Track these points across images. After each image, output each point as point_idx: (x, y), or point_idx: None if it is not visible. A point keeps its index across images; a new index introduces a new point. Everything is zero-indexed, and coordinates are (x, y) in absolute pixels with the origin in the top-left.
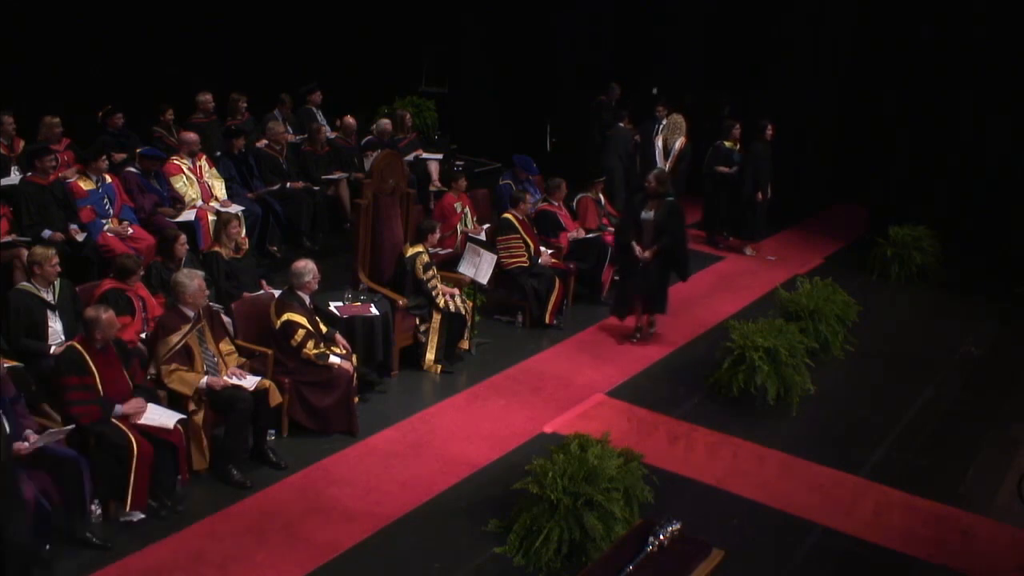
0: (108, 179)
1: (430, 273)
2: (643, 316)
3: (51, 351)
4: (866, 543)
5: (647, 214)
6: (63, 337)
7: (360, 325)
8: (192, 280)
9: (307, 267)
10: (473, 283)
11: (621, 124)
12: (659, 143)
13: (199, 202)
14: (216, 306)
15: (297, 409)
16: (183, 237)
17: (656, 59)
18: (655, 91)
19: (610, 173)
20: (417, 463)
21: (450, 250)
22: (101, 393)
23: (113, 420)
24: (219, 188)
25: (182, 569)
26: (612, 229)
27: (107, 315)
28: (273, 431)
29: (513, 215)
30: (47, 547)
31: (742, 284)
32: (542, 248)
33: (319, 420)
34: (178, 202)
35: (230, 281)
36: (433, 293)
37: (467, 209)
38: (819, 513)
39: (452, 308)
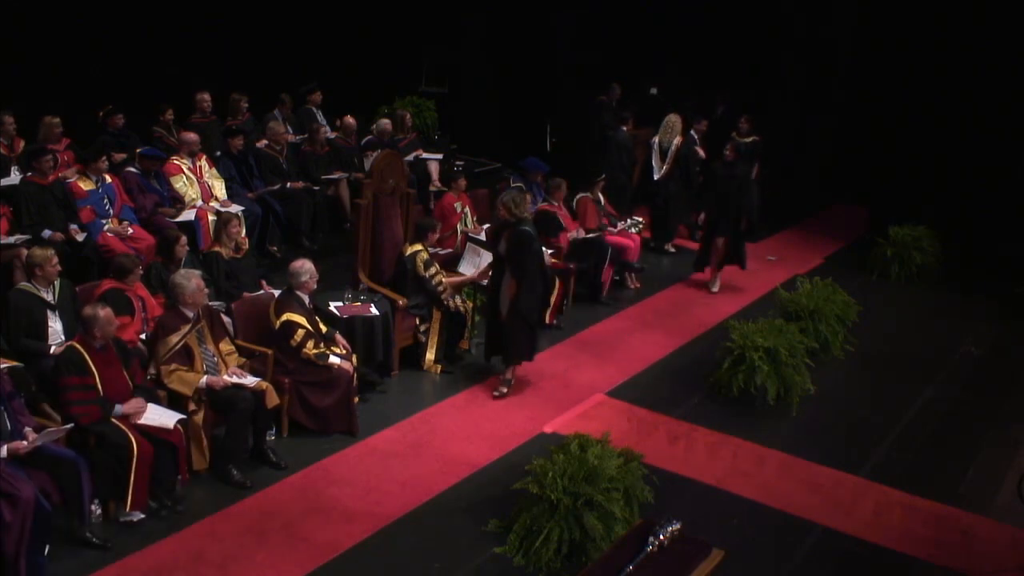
0: (108, 179)
1: (432, 270)
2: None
3: (51, 351)
4: (866, 543)
5: (500, 246)
6: (63, 337)
7: (360, 325)
8: (190, 280)
9: (304, 267)
10: (473, 283)
11: (624, 128)
12: (655, 142)
13: (199, 202)
14: (217, 304)
15: (297, 409)
16: (184, 238)
17: (656, 59)
18: (654, 91)
19: (609, 179)
20: (417, 463)
21: (450, 250)
22: (101, 393)
23: (113, 420)
24: (219, 188)
25: (182, 569)
26: (612, 229)
27: (104, 312)
28: (273, 431)
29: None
30: (47, 547)
31: (742, 284)
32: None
33: (319, 420)
34: (178, 202)
35: (230, 281)
36: (439, 289)
37: (467, 209)
38: (819, 513)
39: (452, 308)
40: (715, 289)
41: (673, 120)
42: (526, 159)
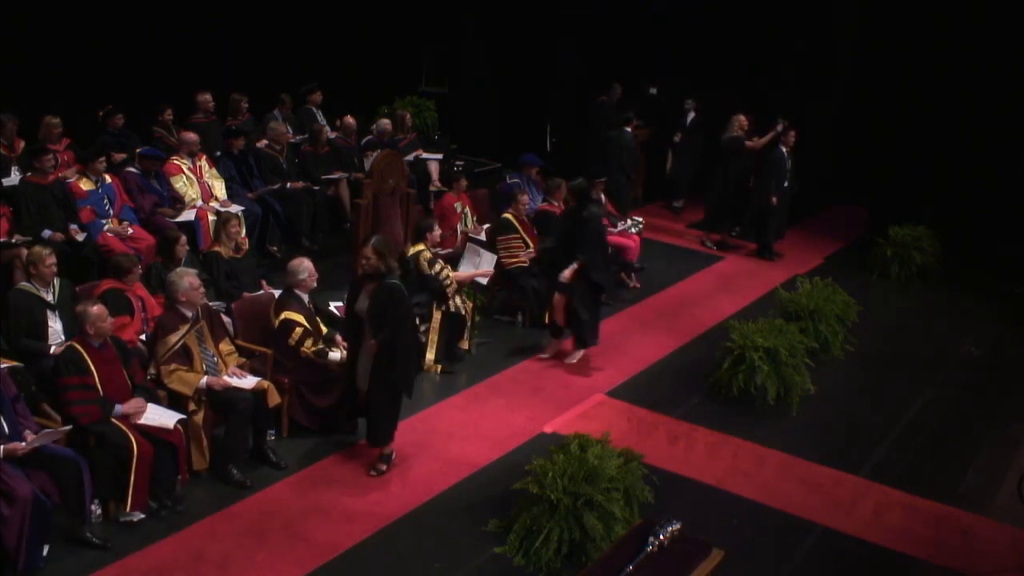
0: (108, 179)
1: (438, 266)
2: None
3: (51, 351)
4: (866, 543)
5: (361, 302)
6: (63, 337)
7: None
8: (183, 278)
9: (302, 265)
10: (473, 283)
11: (628, 129)
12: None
13: (199, 202)
14: (216, 304)
15: (297, 409)
16: (184, 238)
17: (656, 59)
18: (654, 91)
19: (610, 179)
20: (417, 463)
21: (450, 250)
22: (101, 393)
23: (113, 420)
24: (219, 188)
25: (182, 569)
26: (612, 229)
27: (96, 308)
28: (273, 431)
29: (513, 215)
30: (47, 547)
31: (742, 284)
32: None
33: (319, 420)
34: (178, 202)
35: (230, 281)
36: (446, 283)
37: (467, 209)
38: (819, 513)
39: (453, 308)
40: (544, 355)
41: (736, 118)
42: (527, 155)
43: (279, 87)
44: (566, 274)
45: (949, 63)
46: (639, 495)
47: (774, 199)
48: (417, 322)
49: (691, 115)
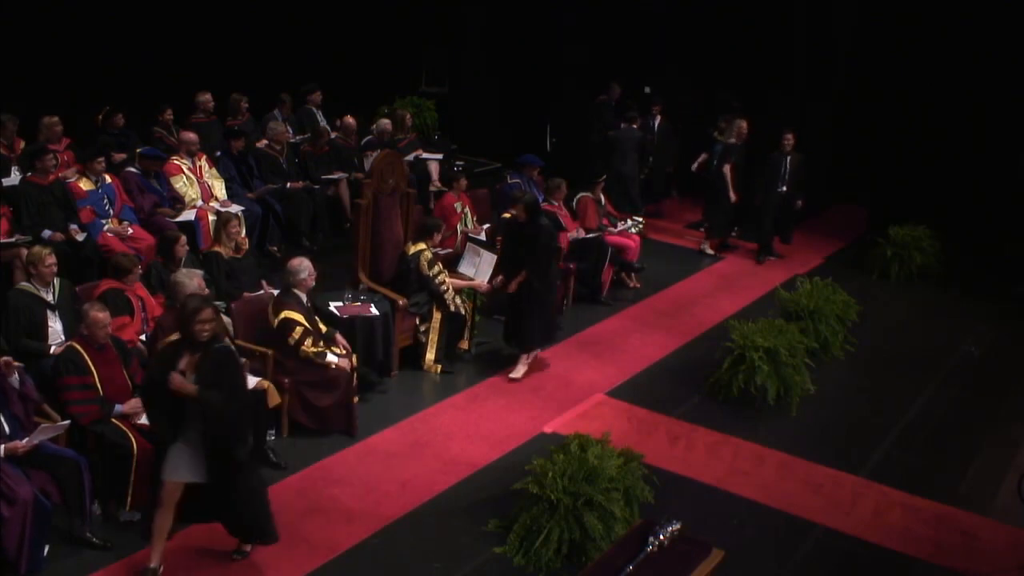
0: (108, 179)
1: (436, 269)
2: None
3: (51, 351)
4: (866, 543)
5: (177, 380)
6: (63, 337)
7: (360, 325)
8: (191, 279)
9: (302, 264)
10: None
11: (633, 126)
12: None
13: (199, 202)
14: (216, 305)
15: (297, 409)
16: (183, 238)
17: (656, 58)
18: (647, 90)
19: (618, 175)
20: (417, 463)
21: (450, 250)
22: (101, 393)
23: (113, 420)
24: (219, 188)
25: (182, 569)
26: (612, 229)
27: (94, 315)
28: (273, 431)
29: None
30: (47, 547)
31: (742, 284)
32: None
33: (319, 420)
34: (178, 202)
35: (230, 281)
36: (442, 288)
37: (467, 209)
38: (819, 513)
39: (452, 308)
40: (515, 375)
41: (738, 123)
42: (523, 155)
43: (279, 87)
44: (512, 285)
45: (949, 62)
46: (639, 495)
47: (757, 199)
48: (417, 322)
49: (657, 119)
